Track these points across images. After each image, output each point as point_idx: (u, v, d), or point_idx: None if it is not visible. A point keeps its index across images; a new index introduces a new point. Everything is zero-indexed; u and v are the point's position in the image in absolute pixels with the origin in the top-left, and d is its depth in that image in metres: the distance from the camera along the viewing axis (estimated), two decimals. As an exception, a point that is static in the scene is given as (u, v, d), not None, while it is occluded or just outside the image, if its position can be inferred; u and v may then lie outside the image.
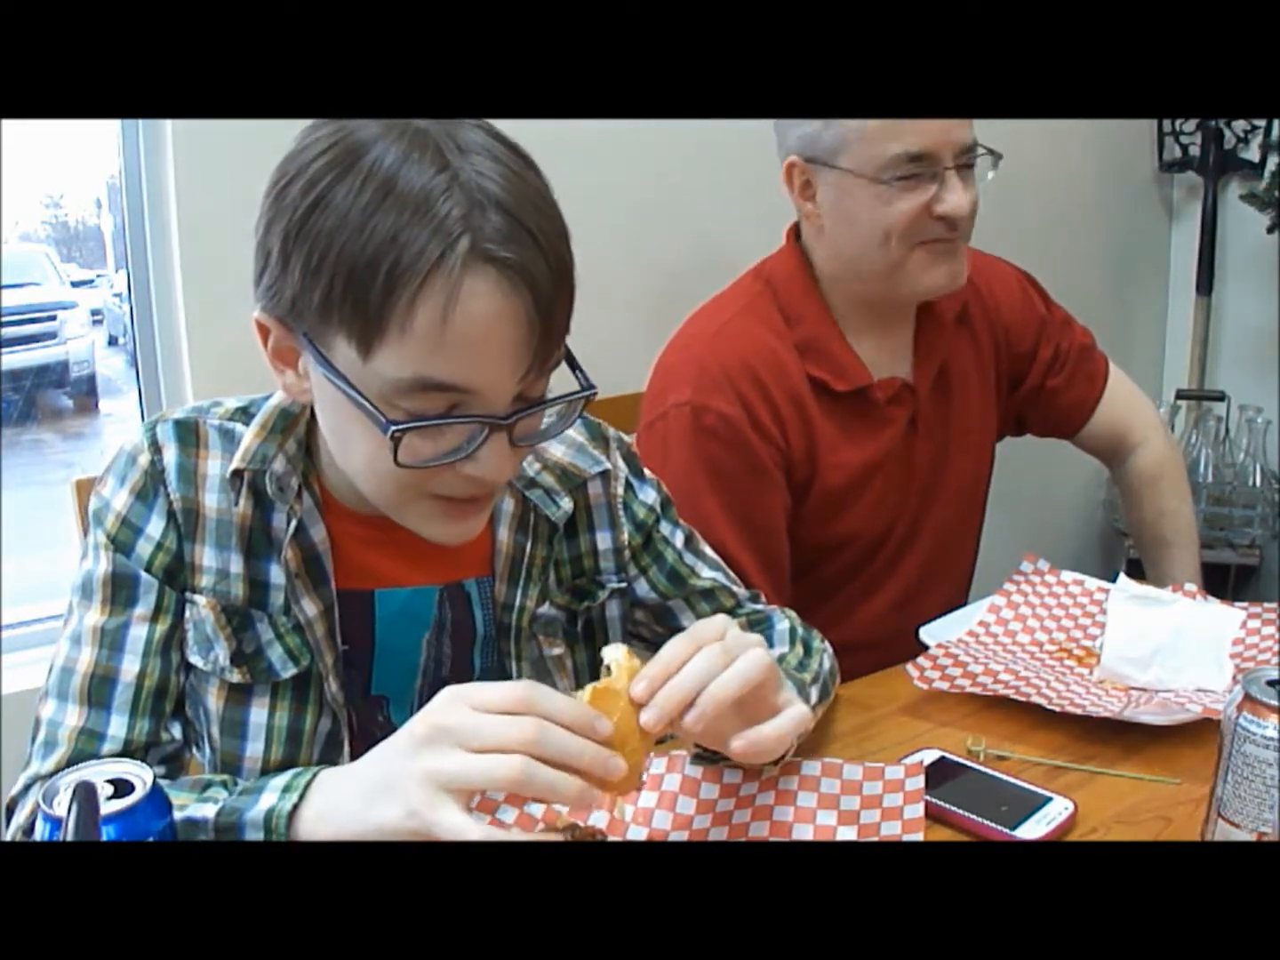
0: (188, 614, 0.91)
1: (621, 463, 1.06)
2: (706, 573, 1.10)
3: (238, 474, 0.90)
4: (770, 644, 1.06)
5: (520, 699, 0.71)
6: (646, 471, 1.09)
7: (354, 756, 0.92)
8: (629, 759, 0.73)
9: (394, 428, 0.75)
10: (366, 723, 0.96)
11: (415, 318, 0.72)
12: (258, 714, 0.92)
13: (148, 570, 0.90)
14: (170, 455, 0.90)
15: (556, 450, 0.99)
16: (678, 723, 0.76)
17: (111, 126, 1.64)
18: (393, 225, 0.71)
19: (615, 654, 0.77)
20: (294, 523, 0.90)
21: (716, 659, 0.77)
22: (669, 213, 1.99)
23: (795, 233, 1.40)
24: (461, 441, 0.78)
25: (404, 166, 0.72)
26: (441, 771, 0.70)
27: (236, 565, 0.91)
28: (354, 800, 0.74)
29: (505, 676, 0.99)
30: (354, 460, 0.83)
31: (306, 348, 0.78)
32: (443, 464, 0.78)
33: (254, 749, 0.92)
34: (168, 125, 1.59)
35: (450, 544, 0.87)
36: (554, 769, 0.69)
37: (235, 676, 0.91)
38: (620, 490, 1.04)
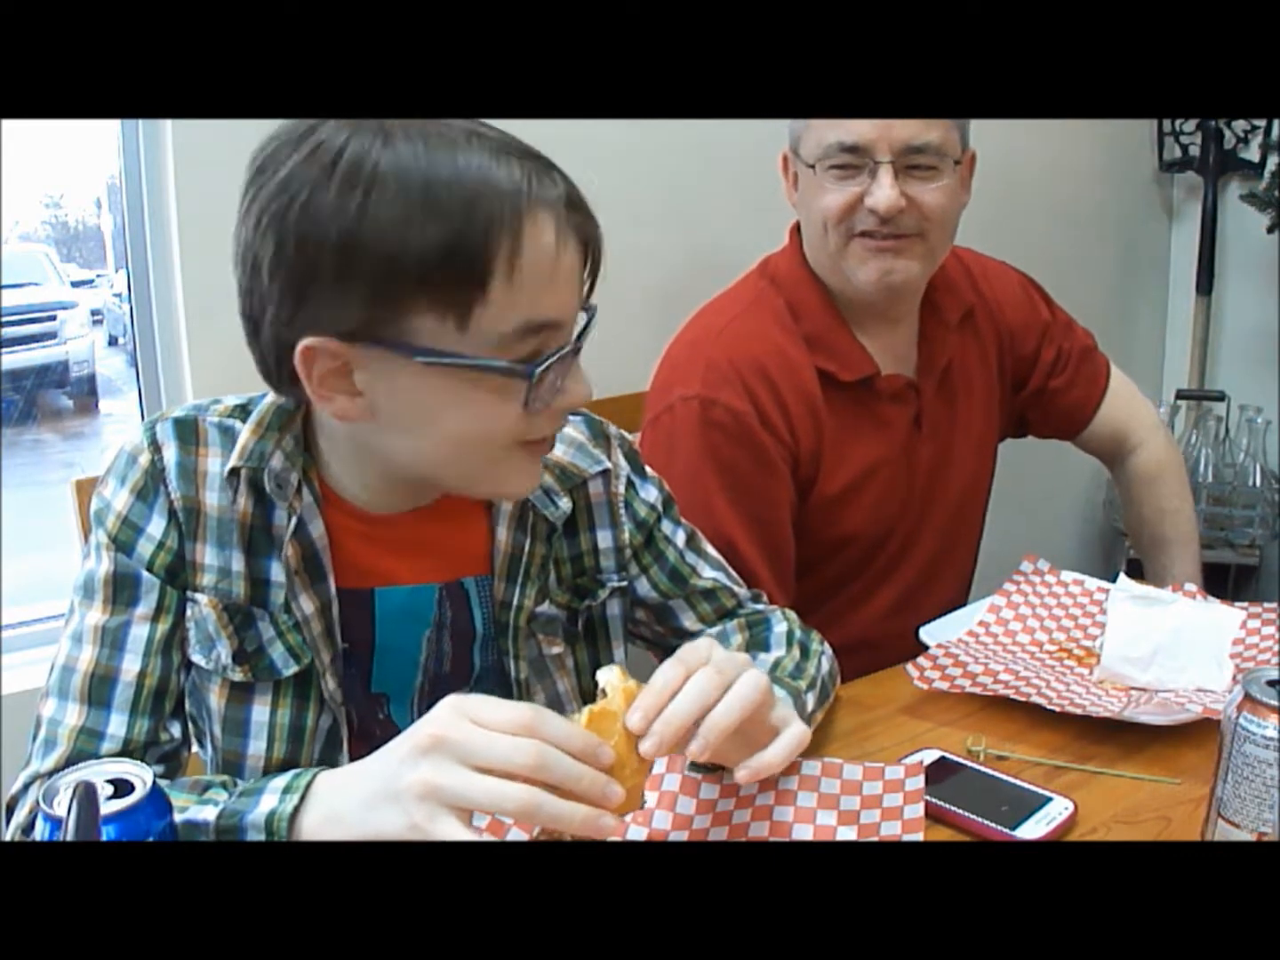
0: (189, 613, 0.91)
1: (623, 461, 1.06)
2: (708, 572, 1.10)
3: (235, 472, 0.90)
4: (767, 647, 1.06)
5: (526, 723, 0.70)
6: (648, 470, 1.09)
7: (353, 754, 0.93)
8: (628, 781, 0.73)
9: (537, 368, 0.78)
10: (366, 720, 0.96)
11: (521, 257, 0.75)
12: (259, 712, 0.92)
13: (149, 570, 0.90)
14: (170, 454, 0.90)
15: (556, 449, 0.99)
16: (679, 751, 0.76)
17: (111, 126, 1.63)
18: (473, 184, 0.74)
19: (609, 676, 0.77)
20: (294, 519, 0.90)
21: (711, 683, 0.77)
22: (670, 214, 1.99)
23: (798, 228, 1.41)
24: (556, 377, 0.81)
25: (438, 154, 0.75)
26: (444, 789, 0.69)
27: (238, 563, 0.91)
28: (356, 807, 0.74)
29: (505, 675, 0.99)
30: (439, 443, 0.83)
31: (386, 349, 0.77)
32: (547, 403, 0.81)
33: (256, 747, 0.92)
34: (168, 125, 1.59)
35: (525, 494, 0.93)
36: (559, 797, 0.69)
37: (237, 675, 0.91)
38: (621, 489, 1.04)
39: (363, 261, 0.74)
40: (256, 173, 0.78)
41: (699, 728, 0.76)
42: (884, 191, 1.24)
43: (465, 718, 0.71)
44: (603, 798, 0.70)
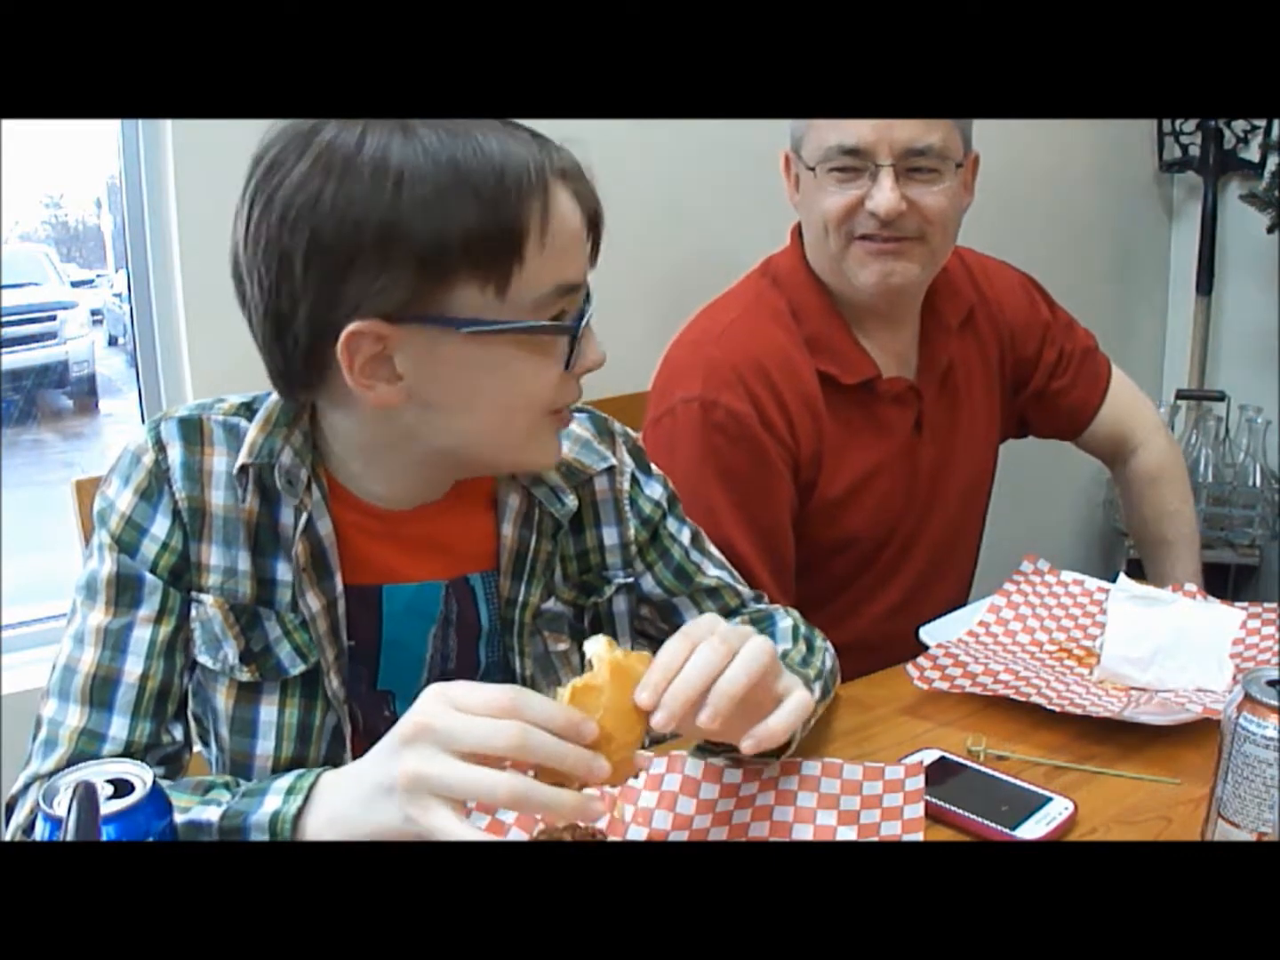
0: (194, 613, 0.91)
1: (628, 458, 1.06)
2: (712, 571, 1.10)
3: (244, 469, 0.90)
4: (773, 641, 1.06)
5: (505, 704, 0.70)
6: (653, 467, 1.09)
7: (357, 752, 0.93)
8: (616, 754, 0.73)
9: (580, 325, 0.84)
10: (372, 718, 0.96)
11: (550, 222, 0.80)
12: (267, 712, 0.92)
13: (152, 571, 0.90)
14: (175, 453, 0.90)
15: (562, 446, 1.00)
16: (689, 722, 0.76)
17: (111, 126, 1.64)
18: (498, 159, 0.77)
19: (595, 648, 0.76)
20: (304, 516, 0.90)
21: (718, 652, 0.77)
22: (672, 213, 1.99)
23: (799, 229, 1.41)
24: (582, 338, 0.85)
25: (457, 138, 0.78)
26: (430, 778, 0.69)
27: (244, 563, 0.91)
28: (354, 806, 0.74)
29: (510, 672, 0.99)
30: (481, 416, 0.85)
31: (431, 326, 0.79)
32: (575, 366, 0.86)
33: (264, 747, 0.92)
34: (168, 125, 1.59)
35: (551, 465, 0.95)
36: (549, 785, 0.70)
37: (245, 675, 0.91)
38: (626, 485, 1.05)
39: (405, 241, 0.76)
40: (266, 173, 0.78)
41: (707, 698, 0.76)
42: (884, 195, 1.24)
43: (448, 704, 0.71)
44: (589, 774, 0.71)
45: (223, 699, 0.92)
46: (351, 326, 0.79)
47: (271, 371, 0.86)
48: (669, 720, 0.74)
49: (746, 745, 0.80)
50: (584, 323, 0.85)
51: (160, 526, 0.90)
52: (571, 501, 1.00)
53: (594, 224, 0.86)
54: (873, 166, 1.25)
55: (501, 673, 0.99)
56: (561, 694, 0.74)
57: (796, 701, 0.82)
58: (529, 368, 0.84)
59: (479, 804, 0.87)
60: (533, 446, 0.90)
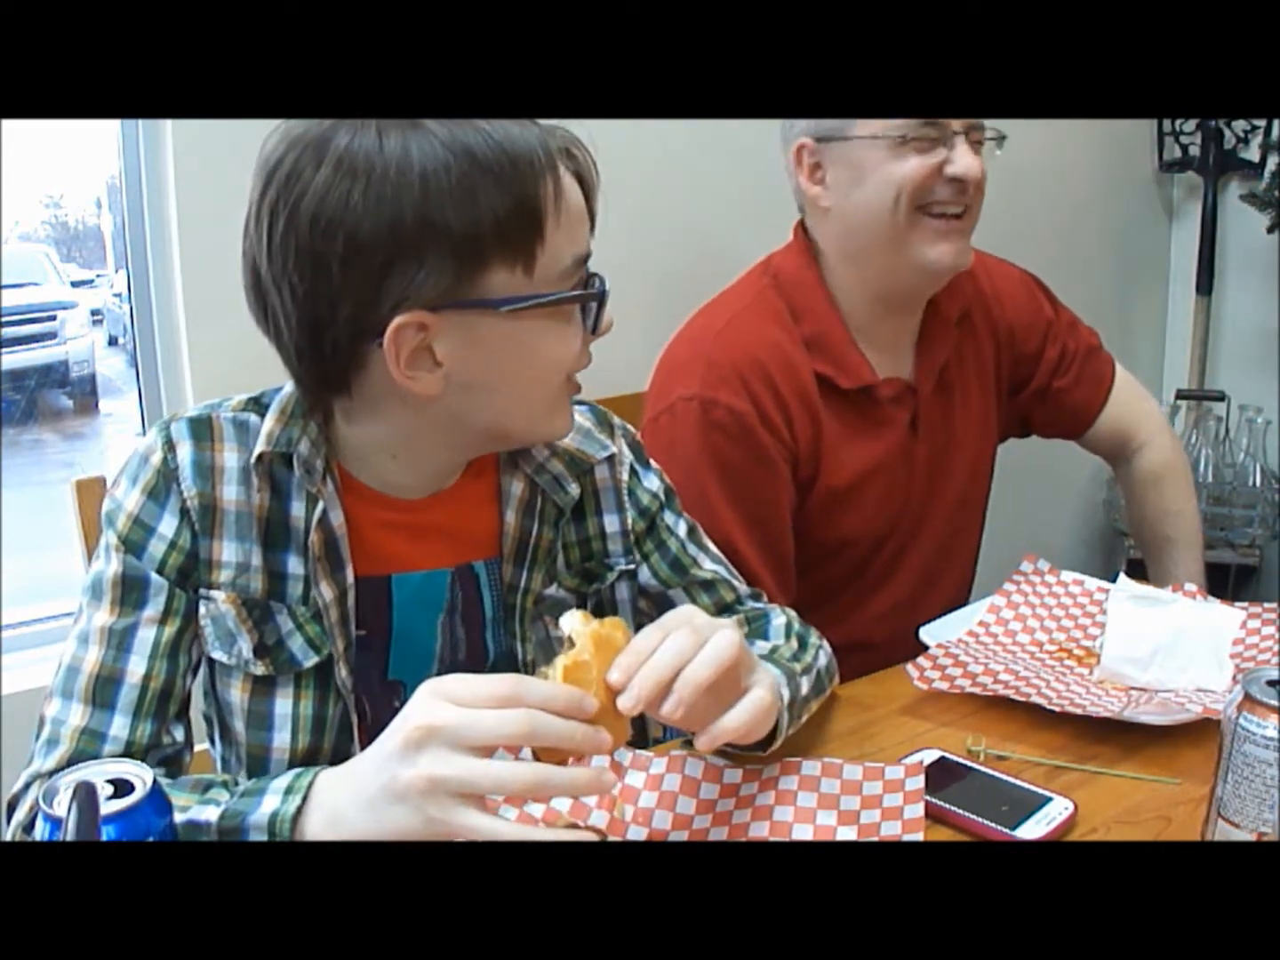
0: (205, 610, 0.91)
1: (626, 449, 1.07)
2: (708, 564, 1.10)
3: (261, 459, 0.90)
4: (765, 638, 1.07)
5: (506, 693, 0.71)
6: (651, 461, 1.10)
7: (364, 744, 0.93)
8: (613, 723, 0.74)
9: (605, 289, 0.88)
10: (380, 709, 0.97)
11: (562, 199, 0.83)
12: (282, 704, 0.93)
13: (159, 572, 0.90)
14: (185, 452, 0.91)
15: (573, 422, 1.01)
16: (655, 709, 0.77)
17: (111, 126, 1.64)
18: (507, 144, 0.80)
19: (572, 623, 0.77)
20: (320, 506, 0.91)
21: (687, 641, 0.78)
22: (668, 212, 1.99)
23: (802, 227, 1.40)
24: (593, 311, 0.90)
25: (465, 130, 0.80)
26: (448, 780, 0.69)
27: (256, 557, 0.91)
28: (359, 808, 0.74)
29: (514, 659, 1.00)
30: (517, 388, 0.88)
31: (470, 310, 0.82)
32: (599, 328, 0.91)
33: (280, 739, 0.93)
34: (168, 125, 1.59)
35: (567, 434, 0.97)
36: (564, 767, 0.71)
37: (259, 669, 0.92)
38: (625, 475, 1.06)
39: (442, 232, 0.79)
40: (285, 184, 0.79)
41: (673, 686, 0.77)
42: (969, 160, 1.24)
43: (446, 701, 0.72)
44: (596, 748, 0.72)
45: (238, 693, 0.93)
46: (398, 320, 0.81)
47: (305, 379, 0.87)
48: (636, 702, 0.75)
49: (701, 743, 0.81)
50: (608, 286, 0.88)
51: (168, 525, 0.90)
52: (574, 490, 1.01)
53: (589, 195, 0.89)
54: (949, 135, 1.25)
55: (509, 662, 1.00)
56: (553, 674, 0.75)
57: (752, 700, 0.83)
58: (557, 336, 0.88)
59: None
60: (554, 415, 0.93)
